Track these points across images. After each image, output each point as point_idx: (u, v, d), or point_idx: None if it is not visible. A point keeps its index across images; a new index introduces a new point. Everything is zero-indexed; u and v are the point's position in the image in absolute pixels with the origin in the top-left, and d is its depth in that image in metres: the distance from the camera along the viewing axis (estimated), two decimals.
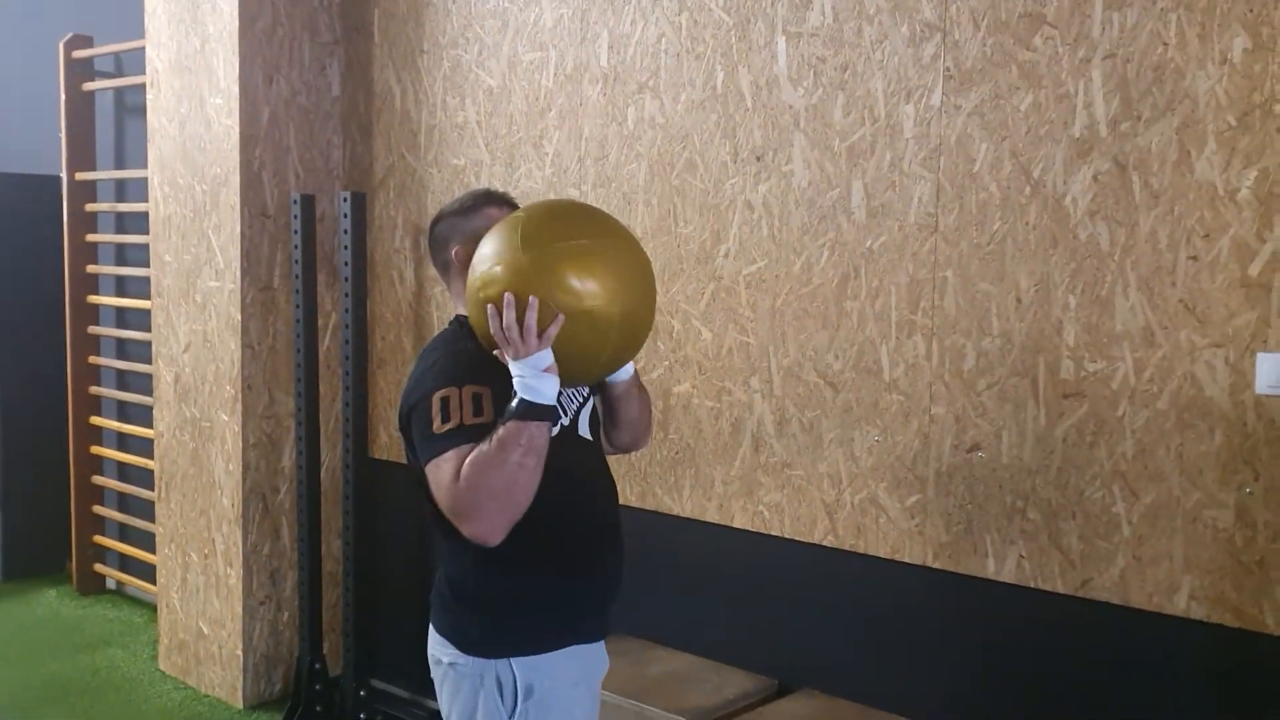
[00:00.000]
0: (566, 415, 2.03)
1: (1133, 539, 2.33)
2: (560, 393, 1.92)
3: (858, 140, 2.68)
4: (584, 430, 2.09)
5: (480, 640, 1.98)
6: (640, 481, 3.17)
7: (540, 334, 1.77)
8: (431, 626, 2.07)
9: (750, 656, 2.95)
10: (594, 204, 3.20)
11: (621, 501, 3.17)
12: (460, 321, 2.06)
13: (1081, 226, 2.37)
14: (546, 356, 1.79)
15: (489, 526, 1.79)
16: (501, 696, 1.95)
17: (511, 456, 1.77)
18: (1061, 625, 2.45)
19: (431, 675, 2.08)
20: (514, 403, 1.79)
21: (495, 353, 1.86)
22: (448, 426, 1.83)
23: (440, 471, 1.82)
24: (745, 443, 2.94)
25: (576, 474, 2.04)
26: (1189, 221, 2.24)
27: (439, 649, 2.03)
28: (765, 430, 2.90)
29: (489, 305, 1.80)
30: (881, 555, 2.70)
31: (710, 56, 2.94)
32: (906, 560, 2.66)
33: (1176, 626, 2.29)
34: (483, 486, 1.77)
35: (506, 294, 1.77)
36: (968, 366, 2.54)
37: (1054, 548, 2.44)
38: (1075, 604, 2.42)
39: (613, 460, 3.22)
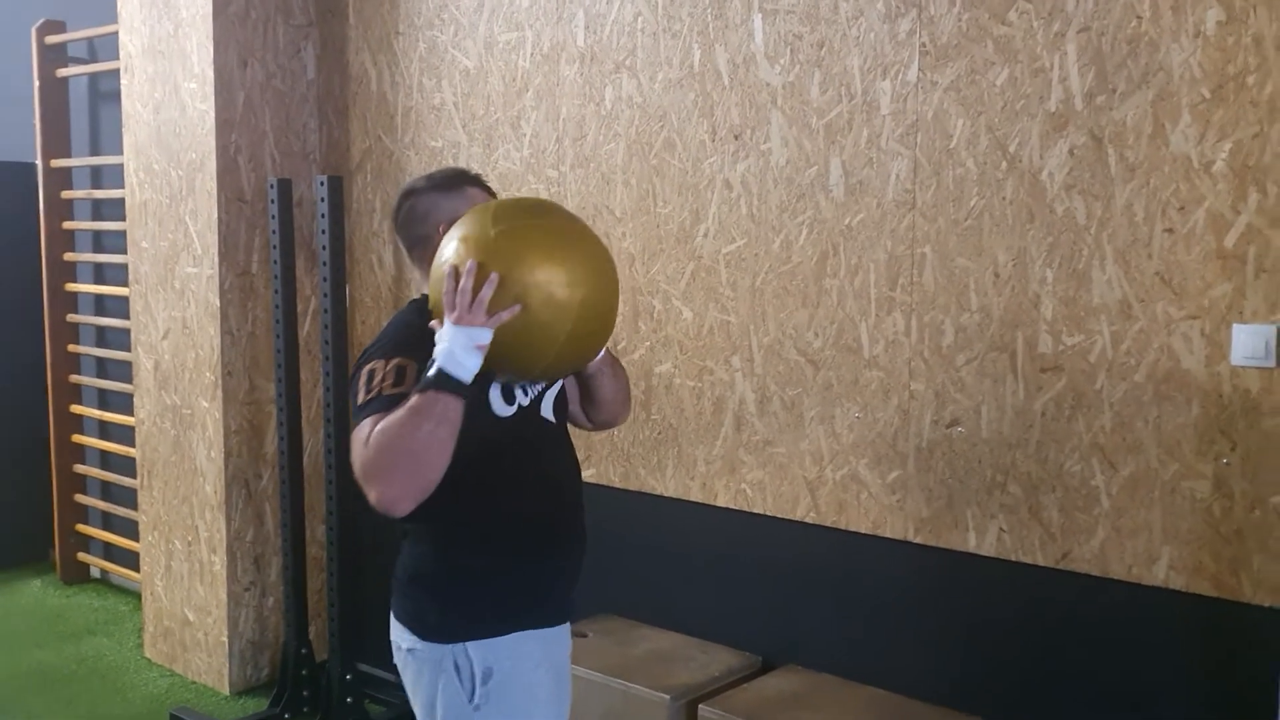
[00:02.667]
0: (526, 396, 1.99)
1: (1112, 511, 2.35)
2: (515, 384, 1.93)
3: (835, 117, 2.68)
4: (547, 413, 2.05)
5: (437, 625, 1.97)
6: (623, 462, 3.17)
7: (491, 312, 1.72)
8: (391, 613, 2.06)
9: (734, 633, 2.97)
10: (572, 184, 3.20)
11: (604, 482, 3.21)
12: (418, 301, 2.04)
13: (1058, 200, 2.37)
14: (485, 335, 1.73)
15: (397, 491, 1.73)
16: (460, 680, 1.94)
17: (424, 425, 1.71)
18: (1042, 597, 2.47)
19: (395, 661, 2.08)
20: (432, 371, 1.72)
21: (433, 323, 1.80)
22: (368, 397, 1.82)
23: (354, 440, 1.79)
24: (727, 421, 2.95)
25: (535, 457, 2.02)
26: (1164, 194, 2.25)
27: (399, 635, 2.03)
28: (747, 409, 2.91)
29: (447, 267, 1.75)
30: (863, 531, 2.72)
31: (687, 35, 2.93)
32: (888, 535, 2.68)
33: (1156, 596, 2.31)
34: (392, 450, 1.72)
35: (470, 261, 1.73)
36: (946, 342, 2.55)
37: (1034, 521, 2.46)
38: (1056, 576, 2.44)
39: (596, 441, 3.24)
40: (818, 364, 2.76)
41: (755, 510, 2.91)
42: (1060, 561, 2.42)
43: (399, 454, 1.72)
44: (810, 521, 2.81)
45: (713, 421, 2.98)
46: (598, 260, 1.85)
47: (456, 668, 1.94)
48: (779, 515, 2.86)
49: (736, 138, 2.85)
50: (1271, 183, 2.12)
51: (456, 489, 1.86)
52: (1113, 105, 2.29)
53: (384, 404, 1.78)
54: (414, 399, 1.73)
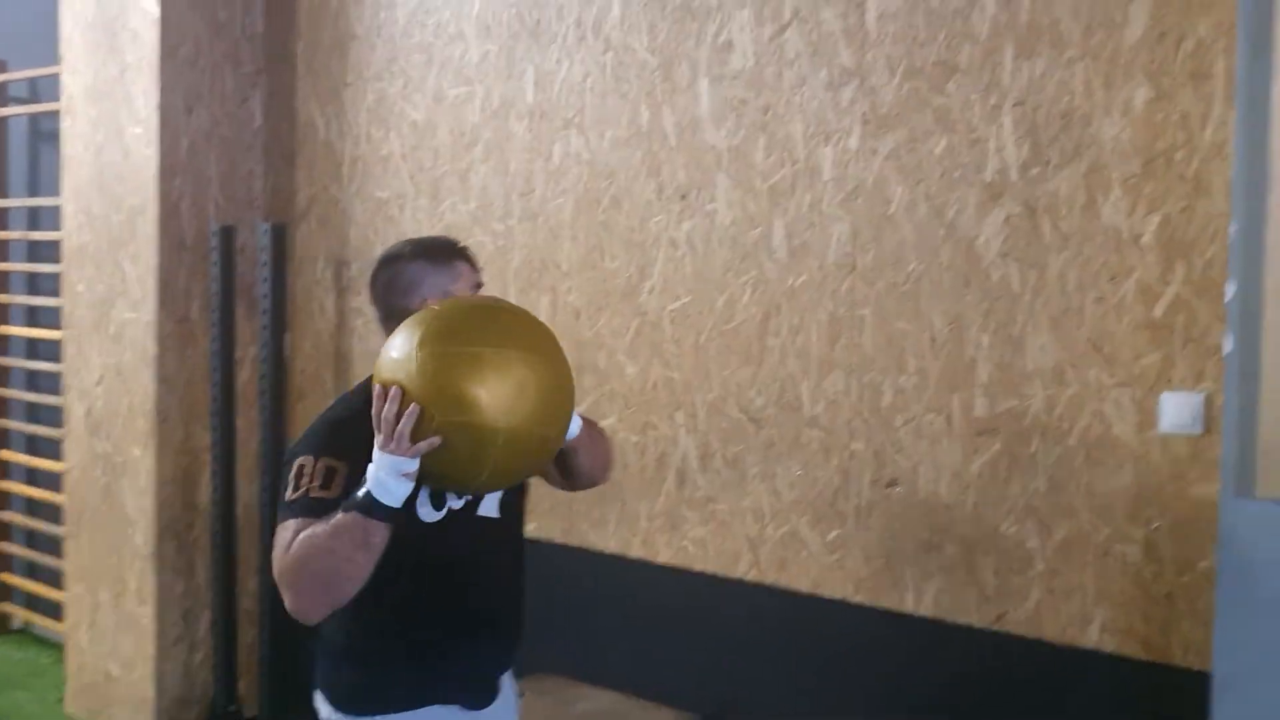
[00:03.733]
0: (460, 500, 1.94)
1: (1046, 573, 2.38)
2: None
3: (779, 181, 2.73)
4: (488, 510, 2.01)
5: (348, 697, 1.97)
6: (565, 517, 3.16)
7: (412, 441, 1.67)
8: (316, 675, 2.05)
9: (675, 692, 2.94)
10: (520, 237, 3.21)
11: (546, 537, 3.19)
12: (354, 394, 2.00)
13: (994, 267, 2.43)
14: (410, 464, 1.68)
15: (308, 605, 1.76)
16: None
17: (341, 548, 1.71)
18: (979, 659, 2.49)
19: None
20: (360, 493, 1.71)
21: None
22: (294, 495, 1.80)
23: (277, 539, 1.79)
24: (670, 477, 2.95)
25: (462, 556, 1.97)
26: (1096, 264, 2.31)
27: (318, 700, 2.01)
28: (690, 465, 2.91)
29: (376, 387, 1.72)
30: (803, 590, 2.73)
31: (635, 96, 2.97)
32: (827, 595, 2.69)
33: (1089, 659, 2.34)
34: (310, 568, 1.73)
35: (393, 388, 1.68)
36: (885, 403, 2.59)
37: (971, 582, 2.48)
38: (992, 637, 2.46)
39: (538, 496, 3.22)
40: (760, 422, 2.79)
41: (697, 567, 2.91)
42: (996, 623, 2.45)
43: (316, 573, 1.73)
44: (751, 580, 2.81)
45: (655, 477, 2.98)
46: (531, 387, 1.72)
47: None
48: (720, 573, 2.87)
49: (683, 197, 2.89)
50: (1198, 255, 2.20)
51: (377, 580, 1.83)
52: (1047, 177, 2.36)
53: (309, 507, 1.77)
54: (340, 518, 1.71)
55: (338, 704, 1.97)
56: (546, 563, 3.12)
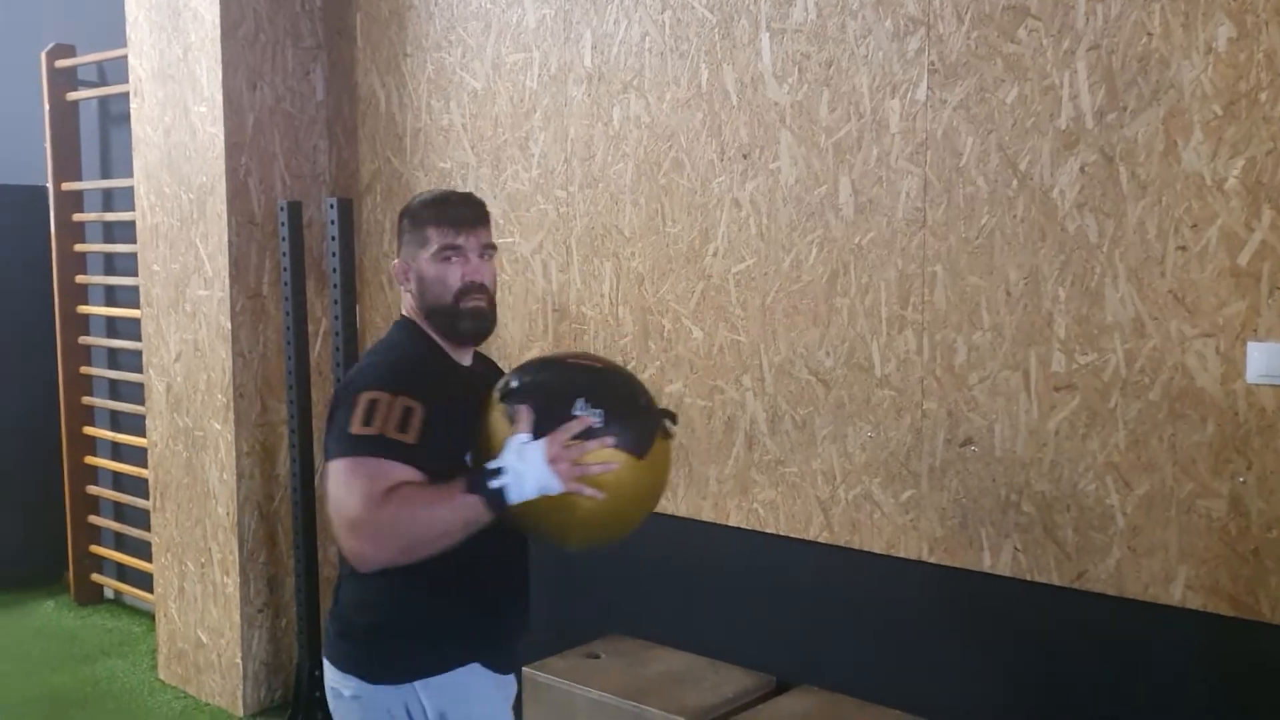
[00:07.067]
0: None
1: (1127, 530, 2.33)
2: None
3: (844, 136, 2.68)
4: None
5: (386, 666, 1.89)
6: None
7: (579, 480, 1.68)
8: (326, 658, 1.97)
9: (748, 654, 2.95)
10: (581, 204, 3.20)
11: None
12: (406, 324, 1.95)
13: (1069, 218, 2.36)
14: (558, 488, 1.69)
15: (383, 560, 1.73)
16: None
17: (449, 524, 1.70)
18: (1058, 617, 2.45)
19: (331, 709, 2.00)
20: (493, 486, 1.68)
21: (519, 434, 1.72)
22: (367, 431, 1.72)
23: (343, 474, 1.72)
24: (739, 441, 2.94)
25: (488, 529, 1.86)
26: (1177, 211, 2.23)
27: (338, 681, 1.93)
28: (758, 428, 2.90)
29: (580, 405, 1.73)
30: (877, 550, 2.70)
31: (695, 55, 2.93)
32: (902, 555, 2.66)
33: (1173, 616, 2.29)
34: (404, 530, 1.69)
35: (596, 421, 1.72)
36: (959, 361, 2.54)
37: (1049, 540, 2.44)
38: (1071, 596, 2.42)
39: None
40: (829, 383, 2.75)
41: (768, 530, 2.90)
42: (1076, 581, 2.41)
43: (413, 538, 1.71)
44: (823, 541, 2.80)
45: (724, 441, 2.97)
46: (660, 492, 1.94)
47: (408, 712, 1.87)
48: (792, 535, 2.85)
49: (745, 157, 2.85)
50: None
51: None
52: (1124, 123, 2.28)
53: (386, 448, 1.72)
54: (461, 497, 1.69)
55: (369, 676, 1.90)
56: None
